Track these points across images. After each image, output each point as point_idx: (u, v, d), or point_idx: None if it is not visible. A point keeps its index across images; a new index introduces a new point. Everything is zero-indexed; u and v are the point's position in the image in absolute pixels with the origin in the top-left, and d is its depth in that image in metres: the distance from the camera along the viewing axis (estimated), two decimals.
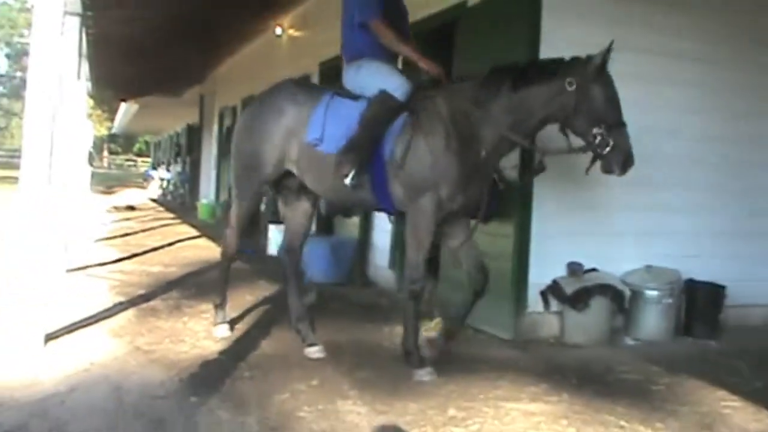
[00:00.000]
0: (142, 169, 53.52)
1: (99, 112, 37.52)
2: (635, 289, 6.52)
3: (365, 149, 5.12)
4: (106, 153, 68.79)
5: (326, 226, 10.47)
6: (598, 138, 4.79)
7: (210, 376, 4.87)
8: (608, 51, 4.79)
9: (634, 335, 6.54)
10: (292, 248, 5.92)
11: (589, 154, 4.93)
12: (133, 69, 15.49)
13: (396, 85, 5.20)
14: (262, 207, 14.13)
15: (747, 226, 7.26)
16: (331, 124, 5.27)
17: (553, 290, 6.24)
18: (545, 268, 5.77)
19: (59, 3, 5.12)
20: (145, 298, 7.32)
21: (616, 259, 6.60)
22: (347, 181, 5.08)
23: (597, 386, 5.06)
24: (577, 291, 6.19)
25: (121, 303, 6.99)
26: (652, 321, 6.52)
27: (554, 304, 6.30)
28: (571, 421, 4.35)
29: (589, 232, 6.42)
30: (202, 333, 6.01)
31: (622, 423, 4.37)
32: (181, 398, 4.42)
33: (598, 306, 6.25)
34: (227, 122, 18.44)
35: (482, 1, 6.87)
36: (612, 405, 4.66)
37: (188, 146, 26.96)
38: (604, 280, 6.35)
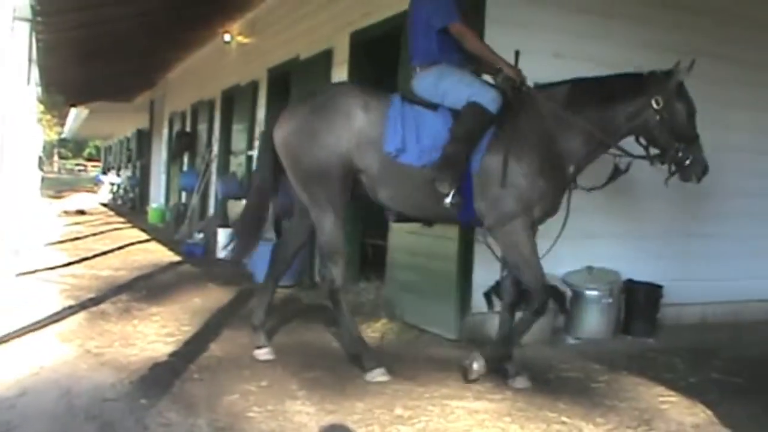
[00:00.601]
0: (93, 174, 52.88)
1: (49, 117, 36.84)
2: (576, 289, 6.65)
3: (461, 166, 4.87)
4: (56, 158, 67.75)
5: (274, 229, 10.44)
6: (680, 153, 4.96)
7: (160, 379, 4.87)
8: (690, 67, 4.89)
9: (575, 334, 6.64)
10: (282, 260, 5.59)
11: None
12: (83, 74, 15.35)
13: (489, 98, 4.91)
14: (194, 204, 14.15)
15: (683, 228, 7.42)
16: (412, 134, 4.95)
17: (497, 291, 6.27)
18: (489, 269, 5.84)
19: (8, 9, 5.14)
20: (95, 301, 7.28)
21: (558, 260, 6.67)
22: (448, 200, 4.81)
23: (539, 384, 5.13)
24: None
25: (71, 307, 6.95)
26: (593, 320, 6.64)
27: (498, 305, 6.35)
28: (515, 419, 4.42)
29: None
30: (152, 336, 6.01)
31: (564, 419, 4.45)
32: (131, 401, 4.41)
33: None
34: (177, 127, 18.32)
35: None
36: (554, 402, 4.75)
37: (138, 151, 26.71)
38: None
